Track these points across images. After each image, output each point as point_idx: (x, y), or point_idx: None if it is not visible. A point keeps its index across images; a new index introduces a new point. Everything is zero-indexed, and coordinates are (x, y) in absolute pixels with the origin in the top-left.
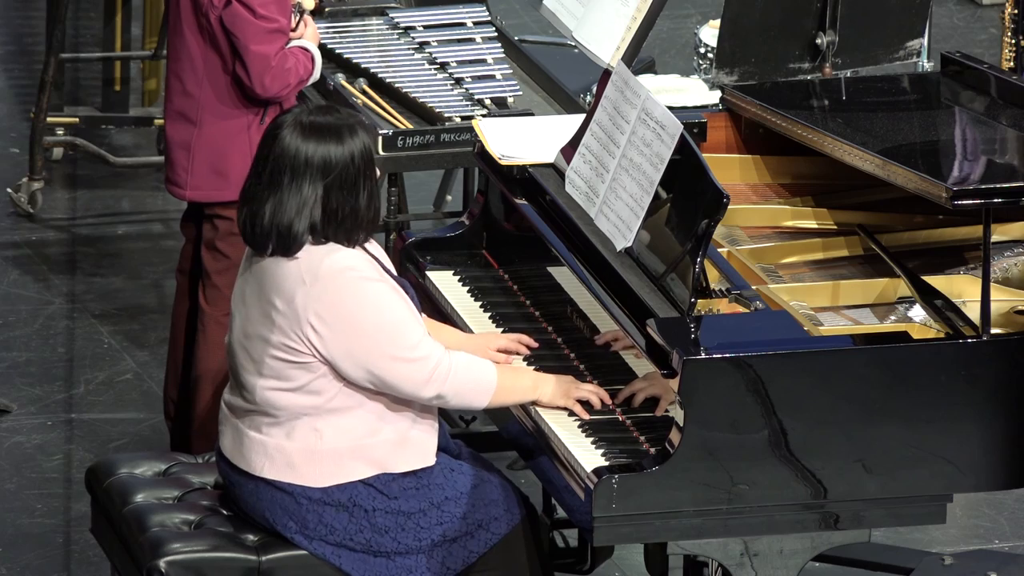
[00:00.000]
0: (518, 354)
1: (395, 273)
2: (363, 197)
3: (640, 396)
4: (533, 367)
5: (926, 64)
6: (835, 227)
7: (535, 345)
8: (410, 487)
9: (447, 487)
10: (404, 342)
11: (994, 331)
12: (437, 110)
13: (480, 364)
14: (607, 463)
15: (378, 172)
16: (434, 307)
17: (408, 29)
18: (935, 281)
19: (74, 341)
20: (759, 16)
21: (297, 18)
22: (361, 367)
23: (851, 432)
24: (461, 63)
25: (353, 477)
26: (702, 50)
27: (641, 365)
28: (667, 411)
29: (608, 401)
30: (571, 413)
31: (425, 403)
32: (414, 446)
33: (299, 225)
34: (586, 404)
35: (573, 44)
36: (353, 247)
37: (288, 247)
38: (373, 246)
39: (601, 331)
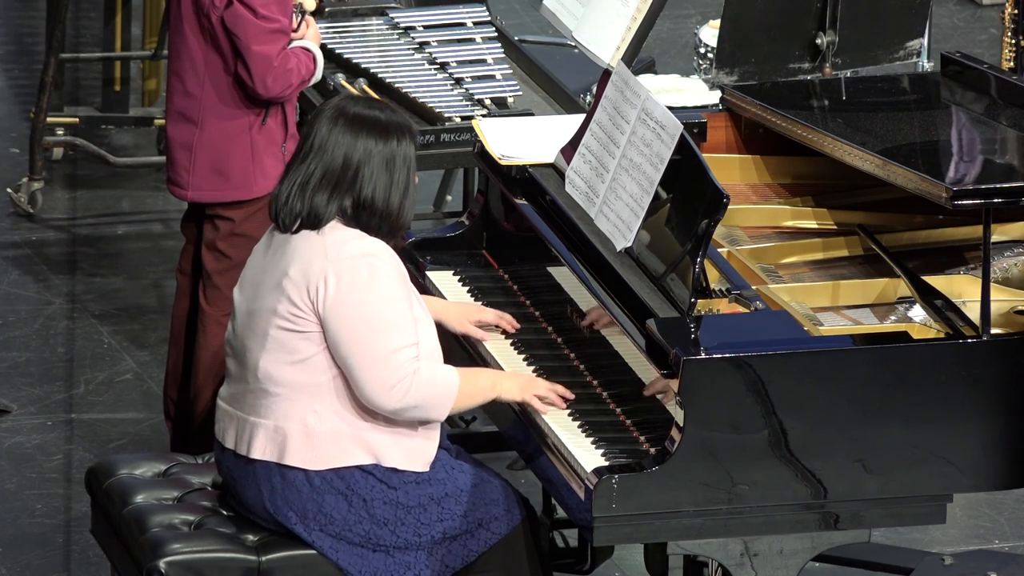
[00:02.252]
0: (499, 329)
1: None
2: (396, 194)
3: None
4: (533, 368)
5: (926, 64)
6: (835, 227)
7: (517, 325)
8: (410, 480)
9: (448, 483)
10: (387, 340)
11: (994, 331)
12: (437, 110)
13: (443, 376)
14: (607, 463)
15: (416, 179)
16: None
17: (408, 29)
18: (935, 281)
19: (74, 341)
20: (759, 16)
21: (299, 18)
22: (340, 343)
23: (851, 432)
24: (461, 63)
25: (350, 462)
26: (702, 50)
27: (621, 343)
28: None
29: (570, 397)
30: (572, 414)
31: (388, 415)
32: (411, 447)
33: (330, 204)
34: (585, 407)
35: (573, 44)
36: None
37: (317, 218)
38: None
39: (601, 332)
